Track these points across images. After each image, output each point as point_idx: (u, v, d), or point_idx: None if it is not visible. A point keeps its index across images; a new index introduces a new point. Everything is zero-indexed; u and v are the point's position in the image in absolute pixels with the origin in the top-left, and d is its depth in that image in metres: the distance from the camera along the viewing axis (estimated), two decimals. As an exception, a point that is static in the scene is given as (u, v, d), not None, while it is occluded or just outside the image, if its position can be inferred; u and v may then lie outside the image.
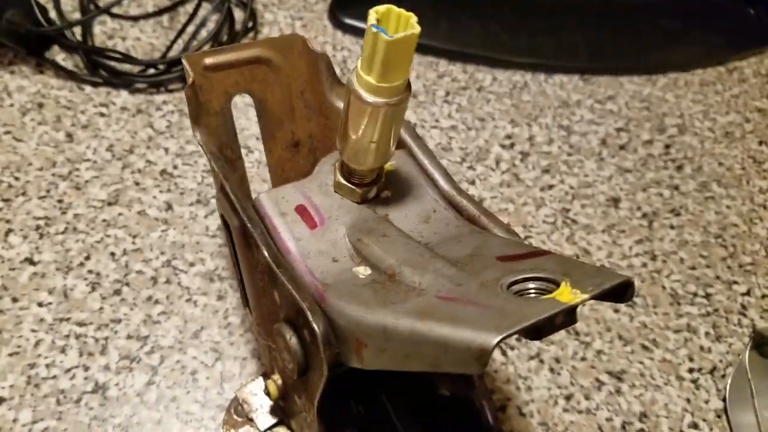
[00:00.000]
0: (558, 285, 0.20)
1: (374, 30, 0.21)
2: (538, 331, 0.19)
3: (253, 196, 0.27)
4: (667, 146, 0.55)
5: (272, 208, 0.26)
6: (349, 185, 0.27)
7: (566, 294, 0.19)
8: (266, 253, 0.25)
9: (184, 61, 0.28)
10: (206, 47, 0.51)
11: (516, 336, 0.19)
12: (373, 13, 0.21)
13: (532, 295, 0.20)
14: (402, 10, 0.21)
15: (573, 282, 0.20)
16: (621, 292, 0.20)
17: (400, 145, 0.30)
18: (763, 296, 0.46)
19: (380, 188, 0.28)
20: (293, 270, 0.25)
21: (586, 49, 0.60)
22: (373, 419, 0.30)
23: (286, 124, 0.32)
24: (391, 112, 0.23)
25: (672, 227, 0.49)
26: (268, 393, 0.33)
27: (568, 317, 0.19)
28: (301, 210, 0.27)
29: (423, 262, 0.23)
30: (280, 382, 0.32)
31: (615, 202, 0.50)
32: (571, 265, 0.21)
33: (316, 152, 0.33)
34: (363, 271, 0.25)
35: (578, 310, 0.19)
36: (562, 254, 0.22)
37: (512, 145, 0.53)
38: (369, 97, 0.23)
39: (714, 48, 0.63)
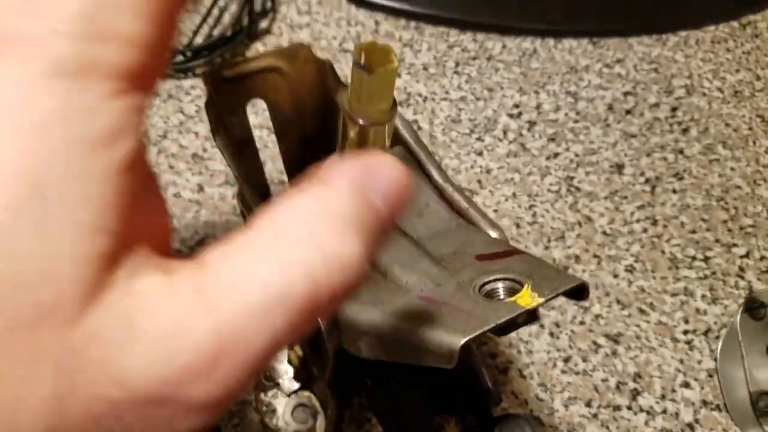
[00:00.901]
0: (523, 286, 0.23)
1: (357, 68, 0.23)
2: (503, 330, 0.23)
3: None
4: (674, 108, 0.56)
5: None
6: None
7: (526, 297, 0.22)
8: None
9: (202, 80, 0.31)
10: (228, 32, 0.53)
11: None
12: (357, 51, 0.24)
13: (501, 296, 0.23)
14: (384, 45, 0.24)
15: (534, 285, 0.23)
16: (578, 293, 0.23)
17: (399, 140, 0.33)
18: (762, 258, 0.48)
19: (378, 187, 0.31)
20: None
21: (596, 11, 0.60)
22: (380, 389, 0.34)
23: (297, 122, 0.35)
24: (381, 130, 0.26)
25: (674, 191, 0.51)
26: (290, 362, 0.38)
27: (529, 316, 0.23)
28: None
29: (411, 261, 0.27)
30: (300, 353, 0.36)
31: (619, 168, 0.52)
32: (536, 267, 0.24)
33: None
34: (362, 267, 0.28)
35: (539, 309, 0.23)
36: (531, 255, 0.25)
37: (519, 114, 0.55)
38: (358, 119, 0.26)
39: (727, 2, 0.63)
